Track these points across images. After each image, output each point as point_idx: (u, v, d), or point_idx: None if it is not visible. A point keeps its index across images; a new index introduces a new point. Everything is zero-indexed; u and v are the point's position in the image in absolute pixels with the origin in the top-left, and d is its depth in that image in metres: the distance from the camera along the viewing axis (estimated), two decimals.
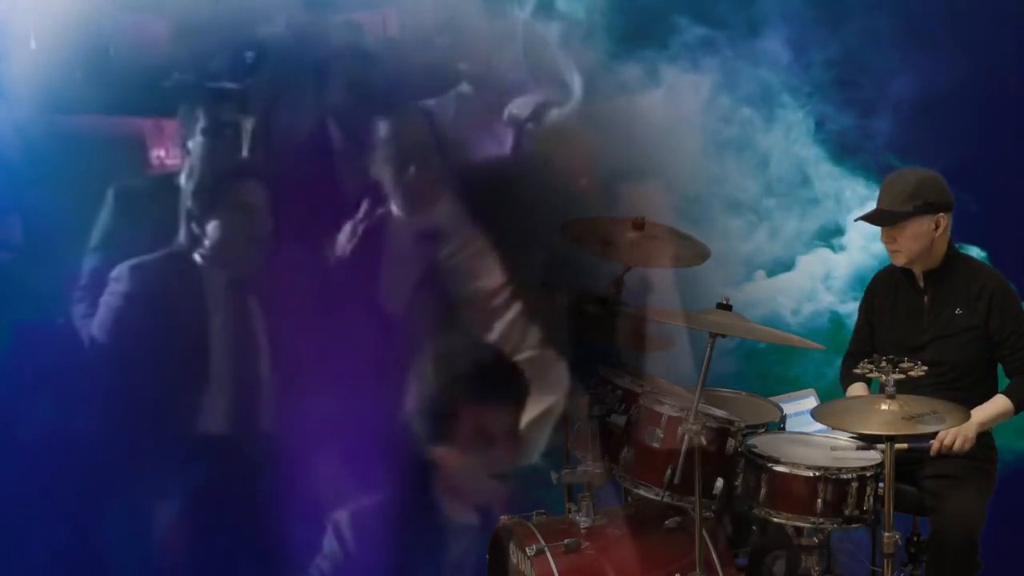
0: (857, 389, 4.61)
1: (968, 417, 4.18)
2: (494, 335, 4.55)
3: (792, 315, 5.90)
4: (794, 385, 5.05)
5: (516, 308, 4.56)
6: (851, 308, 5.55)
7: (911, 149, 5.52)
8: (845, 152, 5.89)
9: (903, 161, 5.21)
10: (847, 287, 5.90)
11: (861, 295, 4.84)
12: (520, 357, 4.52)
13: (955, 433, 4.32)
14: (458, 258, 4.58)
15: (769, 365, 5.71)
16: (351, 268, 4.58)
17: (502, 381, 4.47)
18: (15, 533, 4.42)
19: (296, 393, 4.47)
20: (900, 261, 4.54)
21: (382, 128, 4.56)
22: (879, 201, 4.54)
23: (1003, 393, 4.47)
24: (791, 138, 5.86)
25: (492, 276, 4.58)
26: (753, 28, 5.72)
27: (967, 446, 4.34)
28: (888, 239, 4.52)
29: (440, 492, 4.32)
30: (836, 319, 5.89)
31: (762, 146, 5.85)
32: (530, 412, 4.45)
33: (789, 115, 5.84)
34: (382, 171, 4.57)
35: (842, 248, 5.94)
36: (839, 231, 5.95)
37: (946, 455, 4.37)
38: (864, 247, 5.83)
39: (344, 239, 4.59)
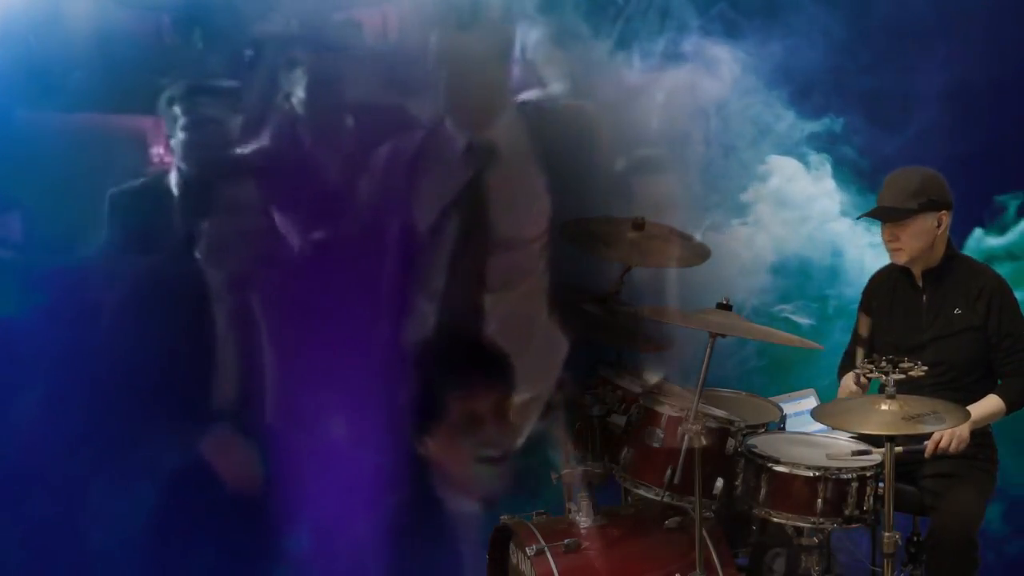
0: (847, 380, 4.58)
1: (968, 416, 4.18)
2: (524, 282, 4.49)
3: None
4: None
5: (545, 260, 4.50)
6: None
7: (906, 148, 5.49)
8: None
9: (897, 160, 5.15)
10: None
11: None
12: (537, 316, 4.45)
13: (950, 434, 4.31)
14: (514, 196, 4.46)
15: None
16: (362, 256, 4.53)
17: (488, 362, 4.46)
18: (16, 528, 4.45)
19: (305, 385, 4.47)
20: (902, 259, 4.53)
21: (447, 34, 4.46)
22: (881, 199, 4.52)
23: (995, 393, 4.45)
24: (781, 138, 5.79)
25: (539, 221, 4.50)
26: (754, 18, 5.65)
27: (961, 446, 4.33)
28: (890, 237, 4.50)
29: (439, 481, 4.33)
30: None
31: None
32: (524, 389, 4.42)
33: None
34: (439, 75, 4.44)
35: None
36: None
37: (943, 456, 4.37)
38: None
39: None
